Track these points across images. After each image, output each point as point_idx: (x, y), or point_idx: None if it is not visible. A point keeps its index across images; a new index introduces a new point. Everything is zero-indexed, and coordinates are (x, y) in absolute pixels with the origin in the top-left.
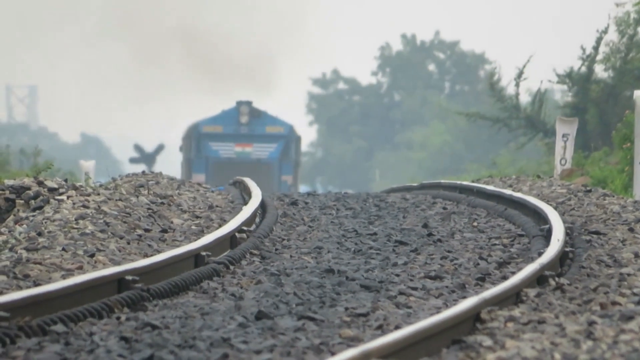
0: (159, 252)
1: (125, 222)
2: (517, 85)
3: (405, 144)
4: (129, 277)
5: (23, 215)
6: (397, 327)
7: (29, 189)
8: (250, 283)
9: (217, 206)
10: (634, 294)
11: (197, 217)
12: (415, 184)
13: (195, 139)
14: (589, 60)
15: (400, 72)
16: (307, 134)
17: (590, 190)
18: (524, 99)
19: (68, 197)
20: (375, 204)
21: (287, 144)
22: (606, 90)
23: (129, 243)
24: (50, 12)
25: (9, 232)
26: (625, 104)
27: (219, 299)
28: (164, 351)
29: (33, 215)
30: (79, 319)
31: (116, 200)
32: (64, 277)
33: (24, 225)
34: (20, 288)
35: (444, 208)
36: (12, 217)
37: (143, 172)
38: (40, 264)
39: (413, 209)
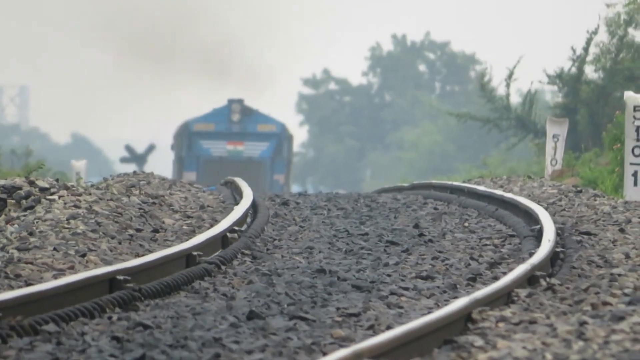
0: (150, 252)
1: (116, 222)
2: (508, 85)
3: (396, 144)
4: (121, 277)
5: (14, 215)
6: (388, 327)
7: (20, 188)
8: (241, 283)
9: (208, 206)
10: (625, 295)
11: (189, 217)
12: (406, 184)
13: (187, 137)
14: (580, 61)
15: (391, 73)
16: (298, 134)
17: (580, 191)
18: (515, 99)
19: (59, 197)
20: (366, 204)
21: (279, 143)
22: (596, 91)
23: (120, 243)
24: (40, 12)
25: (0, 231)
26: (615, 104)
27: (211, 299)
28: (156, 351)
29: (24, 215)
30: (70, 319)
31: (107, 200)
32: (55, 277)
33: (15, 225)
34: (11, 288)
35: (435, 208)
36: (3, 216)
37: (134, 172)
38: (31, 263)
39: (404, 209)
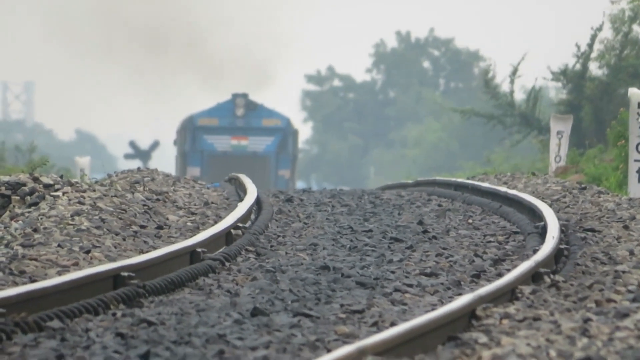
0: (154, 248)
1: (120, 219)
2: (512, 82)
3: (400, 141)
4: (125, 274)
5: (19, 211)
6: (392, 324)
7: (24, 185)
8: (245, 279)
9: (212, 203)
10: (629, 291)
11: (193, 213)
12: (410, 181)
13: (190, 132)
14: (584, 57)
15: (395, 69)
16: (302, 131)
17: (585, 188)
18: (519, 96)
19: (64, 194)
20: (370, 200)
21: (284, 138)
22: (601, 88)
23: (124, 239)
24: (45, 8)
25: (5, 228)
26: (619, 101)
27: (215, 296)
28: (160, 347)
29: (29, 212)
30: (74, 315)
31: (112, 196)
32: (59, 274)
33: (20, 222)
34: (16, 284)
35: (439, 205)
36: (7, 213)
37: (138, 168)
38: (36, 260)
39: (408, 206)
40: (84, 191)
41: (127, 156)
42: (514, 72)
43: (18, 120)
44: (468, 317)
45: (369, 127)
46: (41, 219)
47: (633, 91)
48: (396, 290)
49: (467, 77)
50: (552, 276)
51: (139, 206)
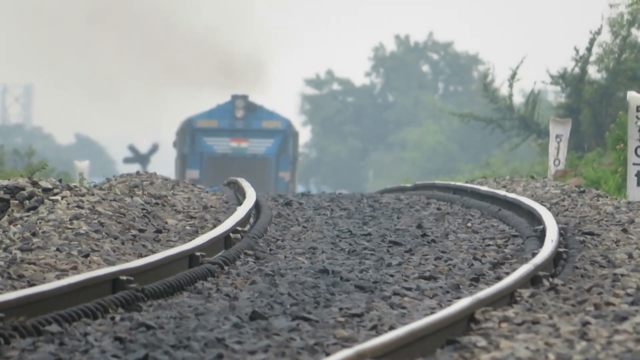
0: (153, 252)
1: (119, 223)
2: (511, 86)
3: (399, 144)
4: (124, 278)
5: (17, 215)
6: (391, 328)
7: (23, 189)
8: (244, 283)
9: (211, 206)
10: (628, 295)
11: (192, 217)
12: (409, 185)
13: (190, 134)
14: (583, 61)
15: (394, 73)
16: (301, 134)
17: (583, 191)
18: (518, 99)
19: (62, 198)
20: (369, 204)
21: (284, 140)
22: (599, 91)
23: (123, 243)
24: (44, 11)
25: (3, 232)
26: (618, 105)
27: (214, 300)
28: (159, 351)
29: (27, 216)
30: (73, 319)
31: (110, 200)
32: (58, 278)
33: (18, 226)
34: (14, 288)
35: (438, 209)
36: (6, 217)
37: (137, 172)
38: (34, 264)
39: (407, 210)
40: (83, 195)
41: (126, 160)
42: (513, 76)
43: (17, 124)
44: (467, 320)
45: (368, 130)
46: (40, 223)
47: (632, 94)
48: (395, 293)
49: (466, 80)
50: (551, 279)
51: (138, 210)
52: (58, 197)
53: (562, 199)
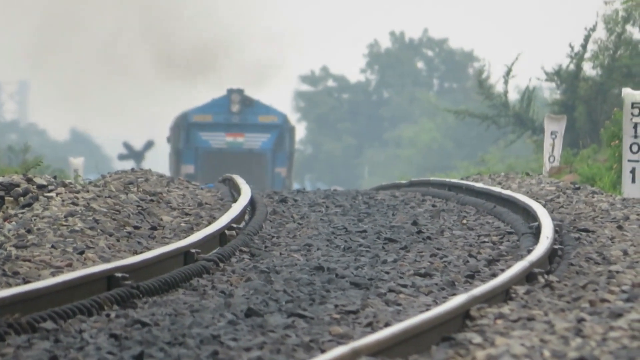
0: (148, 249)
1: (114, 219)
2: (506, 82)
3: (394, 141)
4: (119, 274)
5: (12, 212)
6: (386, 325)
7: (18, 186)
8: (239, 280)
9: (206, 203)
10: (623, 292)
11: (187, 214)
12: (404, 182)
13: (184, 129)
14: (578, 58)
15: (389, 70)
16: (296, 130)
17: (579, 188)
18: (513, 96)
19: (57, 194)
20: (364, 201)
21: (280, 134)
22: (594, 88)
23: (118, 240)
24: (40, 6)
25: None
26: (613, 101)
27: (209, 296)
28: (154, 348)
29: (22, 213)
30: (68, 316)
31: (105, 197)
32: (53, 275)
33: (13, 223)
34: (9, 285)
35: (433, 205)
36: (1, 214)
37: (132, 169)
38: (29, 261)
39: (402, 207)
40: (78, 192)
41: (121, 157)
42: (508, 73)
43: (12, 120)
44: (462, 317)
45: (363, 127)
46: (35, 220)
47: (627, 91)
48: (390, 290)
49: (461, 77)
50: (546, 276)
51: (133, 207)
52: (53, 194)
53: (557, 195)
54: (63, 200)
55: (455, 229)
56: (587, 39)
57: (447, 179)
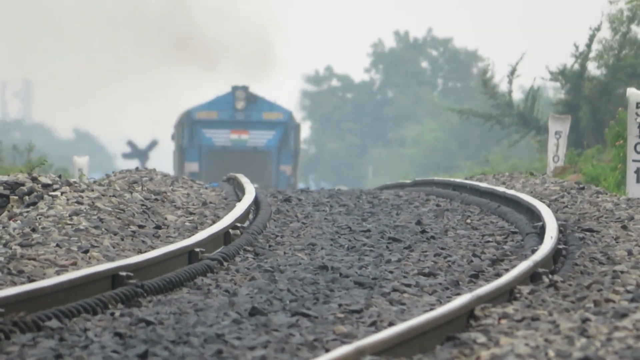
0: (152, 248)
1: (119, 218)
2: (510, 82)
3: (398, 141)
4: (123, 273)
5: (17, 211)
6: (390, 324)
7: (22, 184)
8: (244, 279)
9: (210, 202)
10: (628, 292)
11: (191, 213)
12: (408, 181)
13: (188, 126)
14: (582, 57)
15: (393, 69)
16: (301, 128)
17: (583, 188)
18: (517, 96)
19: (62, 193)
20: (368, 200)
21: (285, 132)
22: (599, 88)
23: (122, 239)
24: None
25: (3, 228)
26: (618, 101)
27: (213, 295)
28: (158, 347)
29: (27, 211)
30: (73, 315)
31: (110, 196)
32: (58, 273)
33: (18, 221)
34: (14, 284)
35: (437, 205)
36: (6, 213)
37: (137, 168)
38: (34, 259)
39: (406, 206)
40: (82, 191)
41: (125, 156)
42: (512, 72)
43: (16, 119)
44: (466, 317)
45: (367, 126)
46: (39, 218)
47: (631, 91)
48: (394, 290)
49: (466, 77)
50: (550, 276)
51: (137, 206)
52: (57, 193)
53: (561, 195)
54: (68, 199)
55: (459, 229)
56: (591, 38)
57: (451, 179)
